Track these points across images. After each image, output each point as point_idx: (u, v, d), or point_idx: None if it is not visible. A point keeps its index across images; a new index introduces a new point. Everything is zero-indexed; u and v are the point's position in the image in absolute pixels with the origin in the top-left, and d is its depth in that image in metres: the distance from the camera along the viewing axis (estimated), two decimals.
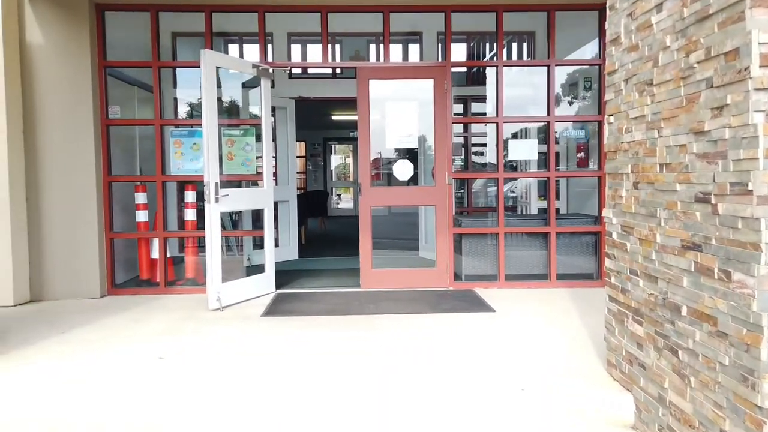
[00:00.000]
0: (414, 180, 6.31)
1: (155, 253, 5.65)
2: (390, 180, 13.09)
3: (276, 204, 7.66)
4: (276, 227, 7.72)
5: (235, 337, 4.10)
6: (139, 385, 3.17)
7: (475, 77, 8.32)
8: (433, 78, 5.62)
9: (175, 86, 7.08)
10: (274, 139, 7.64)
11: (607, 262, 3.27)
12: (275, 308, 4.90)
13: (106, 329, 4.30)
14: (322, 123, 14.60)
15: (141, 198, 5.73)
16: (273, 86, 7.72)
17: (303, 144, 16.21)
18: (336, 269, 6.80)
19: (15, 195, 5.11)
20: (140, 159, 6.29)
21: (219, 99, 5.45)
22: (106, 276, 5.48)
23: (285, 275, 6.43)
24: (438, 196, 5.65)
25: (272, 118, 7.97)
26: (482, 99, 7.81)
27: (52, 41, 5.20)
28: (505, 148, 5.79)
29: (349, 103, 12.12)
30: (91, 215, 5.32)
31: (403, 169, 5.75)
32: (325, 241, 10.12)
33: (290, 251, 7.71)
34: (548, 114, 5.69)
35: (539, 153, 6.12)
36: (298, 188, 16.81)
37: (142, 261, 5.77)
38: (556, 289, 5.60)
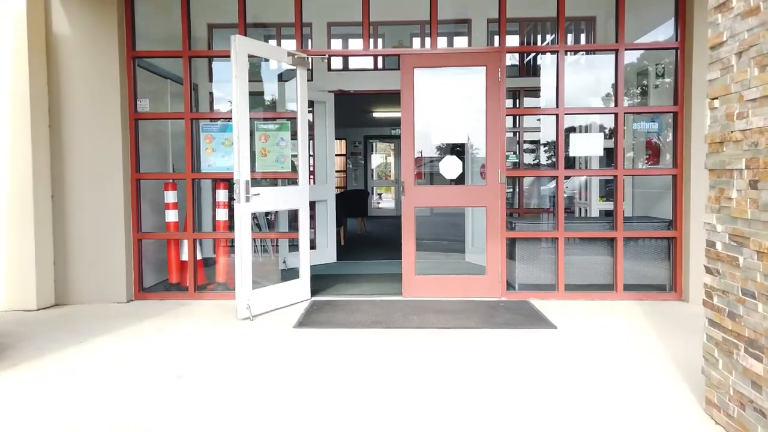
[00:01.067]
0: (460, 179, 5.79)
1: (185, 256, 5.31)
2: (433, 179, 12.64)
3: (313, 204, 7.29)
4: (313, 228, 7.34)
5: (263, 353, 3.67)
6: (149, 412, 2.77)
7: (528, 68, 7.70)
8: (485, 65, 5.07)
9: (210, 80, 6.77)
10: (311, 136, 7.25)
11: (707, 279, 2.67)
12: (309, 318, 4.46)
13: (125, 340, 3.95)
14: (362, 120, 14.19)
15: (171, 197, 5.41)
16: (311, 78, 7.38)
17: (343, 142, 15.85)
18: (376, 274, 6.33)
19: (39, 192, 4.85)
20: (174, 156, 5.98)
21: (256, 93, 5.08)
22: (134, 279, 5.17)
23: (322, 280, 6.01)
24: (489, 196, 5.10)
25: (310, 112, 7.59)
26: (535, 91, 7.19)
27: (78, 31, 4.91)
28: (565, 143, 5.19)
29: (391, 99, 11.69)
30: (118, 215, 5.02)
31: (450, 167, 5.22)
32: (365, 243, 9.67)
33: (328, 254, 7.28)
34: (616, 104, 5.05)
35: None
36: (337, 187, 16.53)
37: (171, 264, 5.44)
38: (623, 301, 4.96)
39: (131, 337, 4.02)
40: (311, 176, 7.38)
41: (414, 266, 5.17)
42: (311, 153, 7.34)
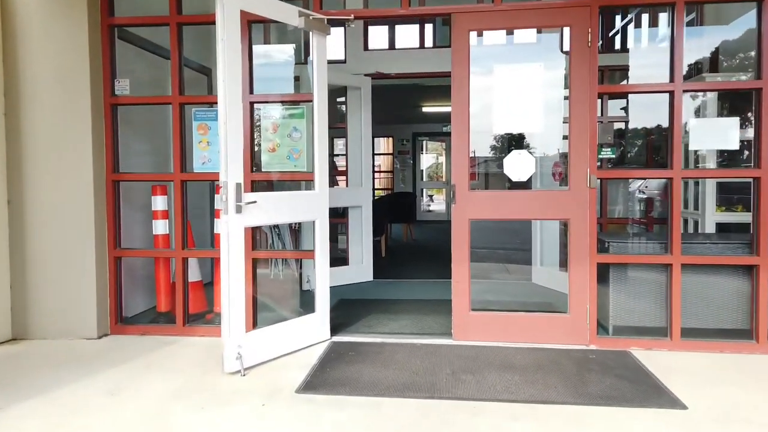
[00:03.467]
0: (526, 182, 4.41)
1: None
2: (488, 183, 11.17)
3: (345, 210, 6.06)
4: (345, 236, 6.12)
5: None
6: None
7: (612, 42, 6.23)
8: (569, 25, 3.69)
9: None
10: (343, 130, 6.03)
11: None
12: (321, 376, 3.20)
13: (58, 407, 2.81)
14: (411, 116, 12.91)
15: (160, 203, 4.30)
16: (344, 60, 6.16)
17: (390, 140, 14.61)
18: (421, 301, 5.03)
19: None
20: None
21: (263, 67, 3.91)
22: (109, 308, 4.08)
23: (351, 307, 4.77)
24: (573, 205, 3.71)
25: (342, 103, 6.39)
26: (622, 70, 5.72)
27: None
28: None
29: (442, 92, 10.32)
30: (87, 226, 3.93)
31: (519, 165, 3.84)
32: (411, 254, 8.37)
33: (363, 271, 6.03)
34: (759, 77, 3.57)
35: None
36: (383, 189, 15.34)
37: (159, 288, 4.32)
38: None
39: (69, 402, 2.88)
40: (344, 178, 6.15)
41: (468, 299, 3.84)
42: (343, 153, 6.14)
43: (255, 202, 3.32)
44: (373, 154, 14.42)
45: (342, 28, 6.05)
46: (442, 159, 18.92)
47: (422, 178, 15.94)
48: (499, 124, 4.25)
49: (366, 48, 6.06)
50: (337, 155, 10.97)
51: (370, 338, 3.91)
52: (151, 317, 4.39)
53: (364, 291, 5.54)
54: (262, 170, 4.01)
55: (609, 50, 6.13)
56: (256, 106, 3.95)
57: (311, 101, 3.78)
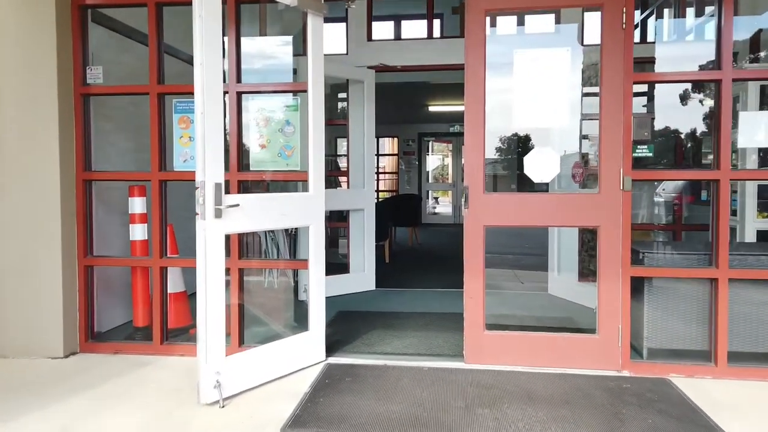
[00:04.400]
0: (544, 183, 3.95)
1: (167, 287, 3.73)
2: (496, 184, 10.66)
3: (346, 214, 5.61)
4: (346, 240, 5.68)
5: None
6: None
7: (641, 31, 5.77)
8: (601, 5, 3.22)
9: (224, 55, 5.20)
10: (345, 127, 5.58)
11: None
12: (312, 409, 2.74)
13: None
14: (416, 115, 12.45)
15: (138, 205, 3.85)
16: (346, 52, 5.70)
17: (395, 140, 14.16)
18: (428, 314, 4.57)
19: None
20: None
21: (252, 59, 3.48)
22: (78, 323, 3.64)
23: (350, 321, 4.32)
24: (604, 210, 3.24)
25: (344, 100, 5.96)
26: (648, 62, 5.25)
27: None
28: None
29: (449, 90, 9.87)
30: (53, 230, 3.49)
31: (541, 163, 3.37)
32: (416, 260, 7.91)
33: (364, 280, 5.57)
34: None
35: None
36: (387, 191, 14.87)
37: (137, 300, 3.87)
38: None
39: None
40: (344, 178, 5.70)
41: (483, 316, 3.37)
42: (337, 152, 5.68)
43: (238, 205, 2.86)
44: (378, 154, 14.00)
45: (344, 24, 5.61)
46: (449, 161, 18.45)
47: (428, 180, 15.47)
48: (514, 121, 3.78)
49: (370, 38, 5.60)
50: (340, 155, 10.55)
51: (370, 360, 3.45)
52: (127, 332, 3.94)
53: (365, 302, 5.08)
54: (251, 169, 3.56)
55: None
56: (244, 97, 3.51)
57: (306, 91, 3.33)
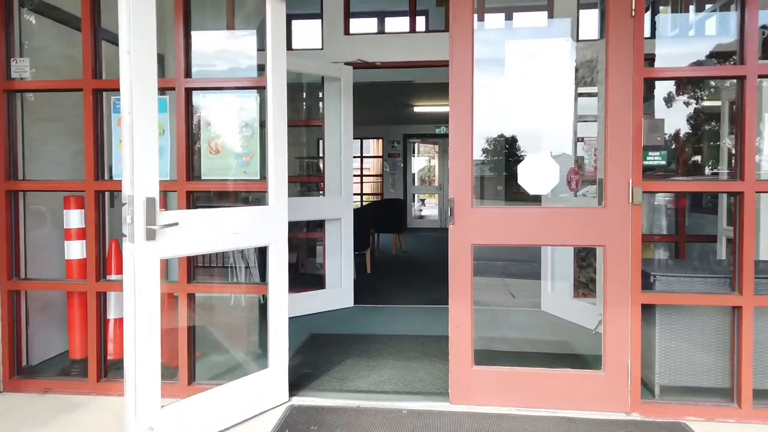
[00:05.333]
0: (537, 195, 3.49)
1: (111, 313, 3.22)
2: (483, 189, 10.20)
3: (321, 224, 5.13)
4: (323, 252, 5.21)
5: None
6: None
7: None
8: None
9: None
10: (320, 129, 5.10)
11: None
12: None
13: None
14: (401, 116, 12.01)
15: (75, 219, 3.33)
16: (321, 47, 5.23)
17: (380, 141, 13.70)
18: (409, 337, 4.11)
19: None
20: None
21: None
22: (2, 356, 3.12)
23: (322, 347, 3.84)
24: (610, 227, 2.80)
25: (319, 99, 5.51)
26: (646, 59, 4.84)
27: None
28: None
29: (435, 89, 9.40)
30: None
31: (538, 174, 2.91)
32: (399, 270, 7.45)
33: (341, 296, 5.09)
34: None
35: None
36: (373, 194, 14.38)
37: (73, 328, 3.35)
38: None
39: None
40: (321, 186, 5.21)
41: (471, 349, 2.91)
42: (320, 154, 5.21)
43: (177, 224, 2.37)
44: (361, 156, 13.51)
45: (319, 19, 5.13)
46: (435, 162, 18.00)
47: (413, 182, 15.04)
48: (503, 121, 3.34)
49: (347, 32, 5.12)
50: (321, 157, 10.04)
51: (341, 400, 2.97)
52: (64, 365, 3.42)
53: (341, 322, 4.60)
54: (203, 178, 3.07)
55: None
56: (195, 94, 3.02)
57: (264, 87, 2.85)
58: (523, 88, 3.60)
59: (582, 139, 4.77)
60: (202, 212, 2.64)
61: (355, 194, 5.44)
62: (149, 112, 2.29)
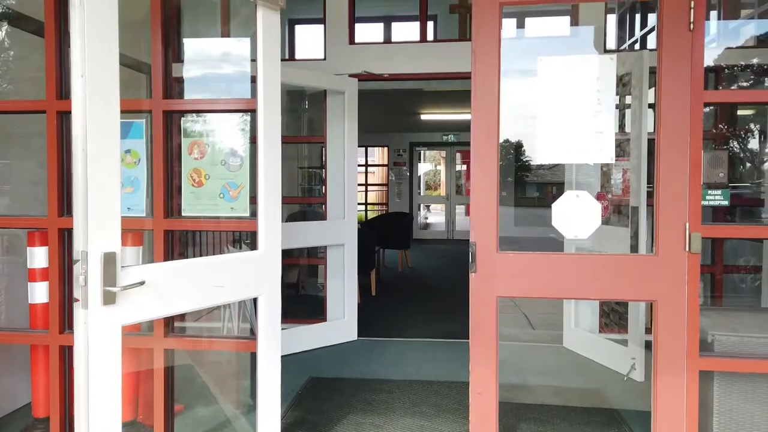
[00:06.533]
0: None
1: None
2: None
3: (324, 250, 4.71)
4: (324, 282, 4.79)
5: None
6: None
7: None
8: None
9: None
10: (323, 146, 4.68)
11: None
12: None
13: None
14: (407, 124, 11.59)
15: (40, 258, 2.91)
16: (324, 57, 4.81)
17: (385, 150, 13.28)
18: (420, 383, 3.67)
19: None
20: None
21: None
22: None
23: (320, 396, 3.41)
24: (663, 279, 2.36)
25: (321, 110, 5.08)
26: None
27: None
28: None
29: (442, 97, 8.99)
30: None
31: (575, 215, 2.48)
32: (407, 291, 7.02)
33: (344, 329, 4.66)
34: None
35: None
36: (377, 204, 13.94)
37: (37, 384, 2.93)
38: None
39: None
40: (323, 208, 4.78)
41: (495, 420, 2.47)
42: (322, 172, 4.78)
43: (143, 283, 1.94)
44: (366, 165, 13.09)
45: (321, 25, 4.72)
46: (441, 167, 17.56)
47: (420, 191, 14.61)
48: (537, 149, 2.89)
49: (352, 41, 4.70)
50: (321, 167, 9.64)
51: None
52: (27, 422, 3.01)
53: (343, 361, 4.17)
54: (183, 215, 2.64)
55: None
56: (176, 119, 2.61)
57: (254, 110, 2.43)
58: (561, 109, 3.18)
59: (607, 167, 4.34)
60: (176, 265, 2.21)
61: (359, 203, 5.02)
62: (110, 147, 1.87)
